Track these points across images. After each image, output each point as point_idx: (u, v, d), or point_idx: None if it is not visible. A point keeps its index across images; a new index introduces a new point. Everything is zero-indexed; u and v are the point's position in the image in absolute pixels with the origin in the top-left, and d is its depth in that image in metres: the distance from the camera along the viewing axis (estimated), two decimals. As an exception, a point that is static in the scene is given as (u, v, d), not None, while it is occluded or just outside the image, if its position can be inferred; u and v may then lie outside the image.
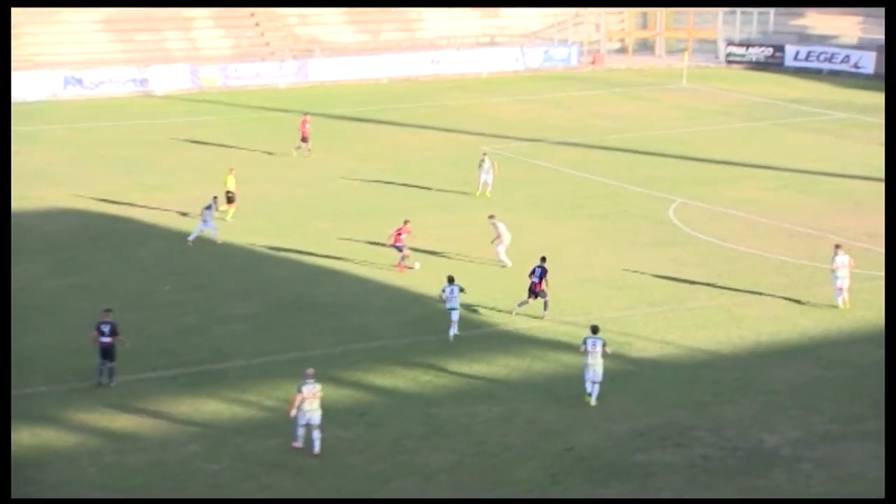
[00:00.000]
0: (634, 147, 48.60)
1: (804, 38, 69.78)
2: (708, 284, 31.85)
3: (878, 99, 58.93)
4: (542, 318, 29.24)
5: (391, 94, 60.54)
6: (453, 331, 28.08)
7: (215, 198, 35.82)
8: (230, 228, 36.75)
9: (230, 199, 37.38)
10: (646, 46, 73.17)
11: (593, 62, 69.31)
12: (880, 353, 27.35)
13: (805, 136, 51.10)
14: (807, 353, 27.53)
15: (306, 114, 47.61)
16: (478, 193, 40.13)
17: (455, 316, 28.06)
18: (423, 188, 41.62)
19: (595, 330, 25.28)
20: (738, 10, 70.22)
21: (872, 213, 38.47)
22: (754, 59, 68.65)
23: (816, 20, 71.44)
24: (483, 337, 28.60)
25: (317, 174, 43.78)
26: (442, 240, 35.64)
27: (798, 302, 30.75)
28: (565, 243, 35.48)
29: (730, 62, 69.15)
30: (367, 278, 32.58)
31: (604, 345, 24.96)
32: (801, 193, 41.40)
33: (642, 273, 32.83)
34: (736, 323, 29.33)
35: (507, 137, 50.42)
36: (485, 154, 40.88)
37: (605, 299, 30.92)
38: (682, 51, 69.42)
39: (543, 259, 29.86)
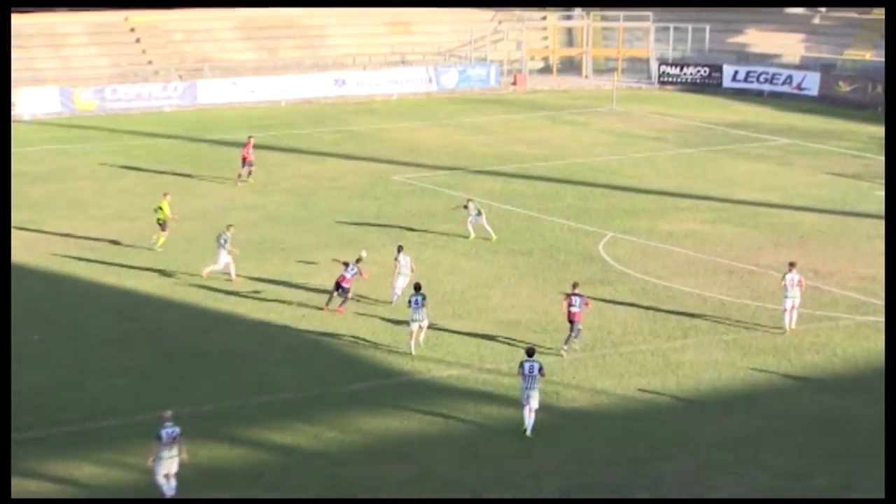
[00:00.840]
0: (561, 176, 49.11)
1: (743, 56, 71.30)
2: (642, 327, 32.19)
3: (824, 123, 60.40)
4: (561, 351, 29.76)
5: (291, 119, 60.51)
6: (413, 344, 29.83)
7: (230, 226, 35.88)
8: (111, 270, 36.32)
9: (163, 227, 37.77)
10: (572, 66, 74.18)
11: (514, 83, 70.06)
12: (831, 402, 27.87)
13: (745, 163, 52.10)
14: (750, 403, 27.93)
15: (251, 137, 47.76)
16: (471, 238, 39.38)
17: (414, 327, 29.85)
18: (330, 225, 41.57)
19: (531, 353, 26.15)
20: (672, 25, 71.53)
21: (819, 249, 39.28)
22: (689, 79, 69.91)
23: (756, 38, 73.07)
24: (395, 387, 28.58)
25: (209, 208, 43.48)
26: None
27: (740, 346, 31.23)
28: (486, 282, 35.66)
29: (663, 83, 70.35)
30: (266, 323, 32.39)
31: (540, 369, 25.83)
32: (741, 227, 42.13)
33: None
34: (673, 369, 29.69)
35: (421, 166, 50.64)
36: (469, 201, 40.09)
37: (529, 344, 31.10)
38: (612, 70, 70.51)
39: (575, 285, 30.74)
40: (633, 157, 52.84)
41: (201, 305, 33.60)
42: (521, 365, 26.06)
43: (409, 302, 30.12)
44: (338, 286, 33.01)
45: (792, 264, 32.33)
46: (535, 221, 42.22)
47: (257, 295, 34.38)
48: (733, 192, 46.84)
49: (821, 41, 71.23)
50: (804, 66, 68.71)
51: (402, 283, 33.51)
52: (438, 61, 70.27)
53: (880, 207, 43.48)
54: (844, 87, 65.74)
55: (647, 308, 33.61)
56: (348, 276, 33.00)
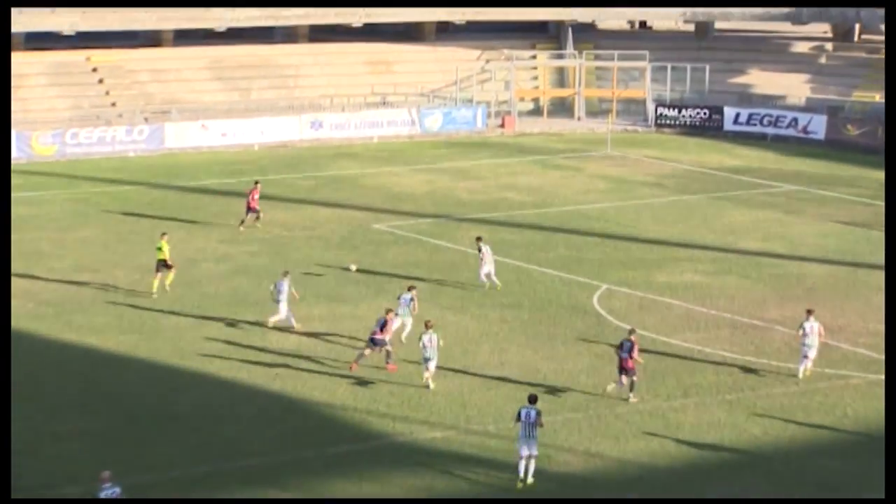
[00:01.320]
0: (552, 224, 49.28)
1: (745, 98, 71.81)
2: (639, 385, 32.23)
3: (832, 168, 60.80)
4: (627, 400, 31.11)
5: (265, 164, 60.66)
6: (429, 383, 31.60)
7: (286, 273, 36.60)
8: (71, 326, 36.25)
9: (168, 266, 39.19)
10: (563, 107, 74.58)
11: (503, 125, 70.41)
12: (840, 467, 27.87)
13: (748, 211, 52.36)
14: (755, 468, 27.93)
15: (258, 182, 48.49)
16: (487, 286, 39.93)
17: (432, 366, 31.54)
18: (305, 274, 41.62)
19: (533, 400, 26.98)
20: (669, 65, 72.10)
21: (828, 302, 39.42)
22: (688, 122, 70.35)
23: (759, 78, 73.66)
24: (375, 451, 28.51)
25: (176, 259, 43.49)
26: (329, 335, 35.57)
27: (744, 406, 31.27)
28: (473, 338, 35.68)
29: (660, 126, 70.77)
30: (236, 383, 32.33)
31: (538, 414, 26.57)
32: (744, 278, 42.29)
33: (563, 372, 33.13)
34: (672, 431, 29.69)
35: (403, 213, 50.77)
36: (479, 240, 40.80)
37: (519, 403, 31.10)
38: (606, 112, 70.96)
39: (631, 331, 31.84)
40: (629, 204, 53.08)
41: (167, 363, 33.52)
42: (519, 412, 26.71)
43: (420, 339, 32.10)
44: (373, 342, 32.89)
45: (809, 311, 33.42)
46: (525, 273, 42.29)
47: (227, 352, 34.33)
48: (735, 241, 47.06)
49: (827, 82, 71.83)
50: (810, 108, 69.18)
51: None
52: (422, 102, 70.61)
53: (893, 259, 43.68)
54: (853, 131, 66.21)
55: (645, 365, 33.67)
56: (380, 328, 32.81)
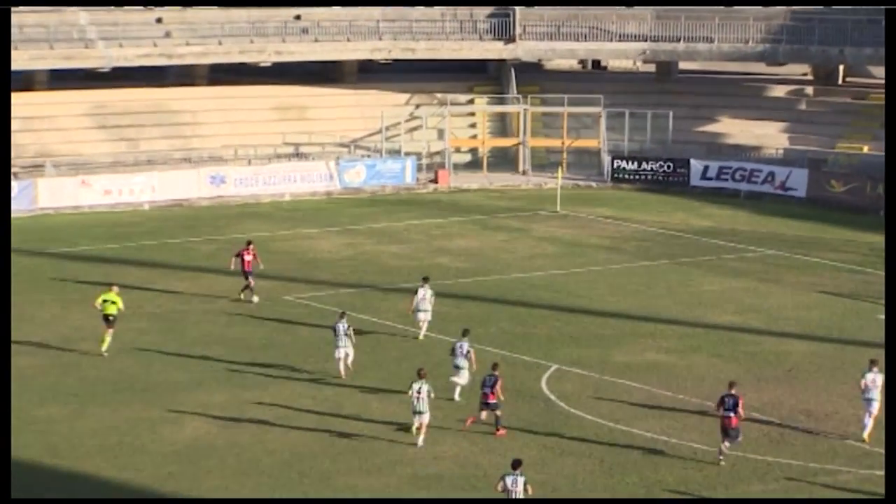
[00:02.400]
0: (493, 295, 49.33)
1: (714, 149, 72.56)
2: (596, 483, 32.12)
3: (815, 230, 61.43)
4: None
5: (157, 226, 60.35)
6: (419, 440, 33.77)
7: (343, 314, 40.38)
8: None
9: (112, 323, 41.46)
10: (506, 159, 75.03)
11: (435, 180, 70.65)
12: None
13: (719, 279, 52.68)
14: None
15: (250, 242, 48.72)
16: (420, 337, 43.15)
17: (425, 420, 33.64)
18: (203, 358, 41.31)
19: (516, 465, 28.55)
20: (627, 111, 72.81)
21: (812, 385, 39.65)
22: (650, 176, 70.94)
23: (730, 126, 74.56)
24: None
25: (50, 339, 43.04)
26: (230, 426, 35.30)
27: (718, 505, 31.30)
28: (405, 427, 35.51)
29: (618, 181, 71.29)
30: (120, 484, 31.92)
31: (525, 483, 28.30)
32: (715, 357, 42.44)
33: (507, 467, 32.88)
34: (635, 536, 29.64)
35: (319, 283, 50.62)
36: (425, 281, 44.01)
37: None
38: (555, 165, 71.37)
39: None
40: (583, 272, 53.26)
41: (37, 462, 33.06)
42: (503, 479, 28.47)
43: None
44: (486, 405, 35.02)
45: (873, 362, 35.09)
46: (462, 352, 42.29)
47: (109, 447, 33.92)
48: (705, 314, 47.31)
49: (809, 131, 72.79)
50: (789, 160, 69.98)
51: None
52: (341, 154, 70.76)
53: (883, 334, 44.13)
54: (838, 187, 67.03)
55: (602, 459, 33.57)
56: (490, 389, 34.89)
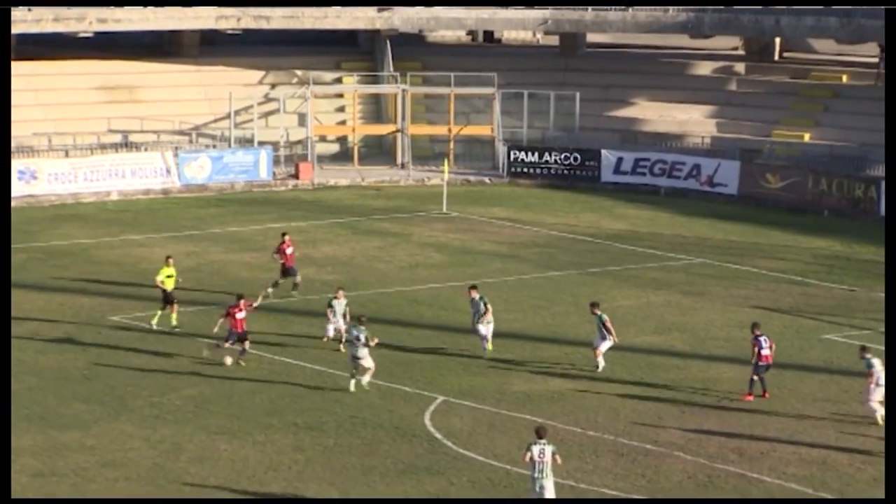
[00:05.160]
0: (367, 311, 49.10)
1: (630, 138, 73.06)
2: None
3: (748, 234, 62.04)
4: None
5: (-46, 230, 59.58)
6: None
7: (361, 318, 42.04)
8: None
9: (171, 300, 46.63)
10: (382, 150, 75.09)
11: (296, 175, 70.48)
12: None
13: (636, 292, 52.98)
14: None
15: (286, 234, 51.17)
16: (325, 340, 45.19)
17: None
18: (12, 390, 40.75)
19: (541, 433, 31.55)
20: (526, 92, 73.02)
21: (744, 416, 39.92)
22: (553, 170, 71.27)
23: (647, 110, 75.10)
24: None
25: None
26: (44, 476, 34.88)
27: (635, 562, 31.47)
28: (252, 473, 35.35)
29: (515, 175, 71.55)
30: None
31: (554, 453, 31.15)
32: (632, 385, 42.70)
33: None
34: None
35: (155, 300, 50.21)
36: (340, 291, 45.90)
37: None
38: (440, 157, 71.40)
39: (755, 325, 42.19)
40: (474, 282, 53.26)
41: None
42: (529, 448, 31.38)
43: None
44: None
45: (864, 349, 39.58)
46: (331, 378, 42.11)
47: None
48: (619, 334, 47.50)
49: (740, 115, 73.58)
50: (717, 151, 70.62)
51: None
52: (181, 144, 70.31)
53: (829, 356, 44.65)
54: (774, 183, 67.77)
55: (497, 509, 33.73)
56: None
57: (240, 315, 43.26)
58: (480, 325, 44.58)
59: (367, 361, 40.98)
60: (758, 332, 41.27)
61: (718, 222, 63.88)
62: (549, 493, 31.23)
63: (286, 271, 50.46)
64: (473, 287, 45.67)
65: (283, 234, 51.41)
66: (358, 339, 40.77)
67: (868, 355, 39.11)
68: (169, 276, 46.75)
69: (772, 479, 35.77)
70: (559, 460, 31.82)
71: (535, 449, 31.44)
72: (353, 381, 41.04)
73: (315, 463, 36.17)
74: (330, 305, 45.15)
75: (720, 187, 68.64)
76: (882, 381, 38.54)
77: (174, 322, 46.50)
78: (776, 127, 72.19)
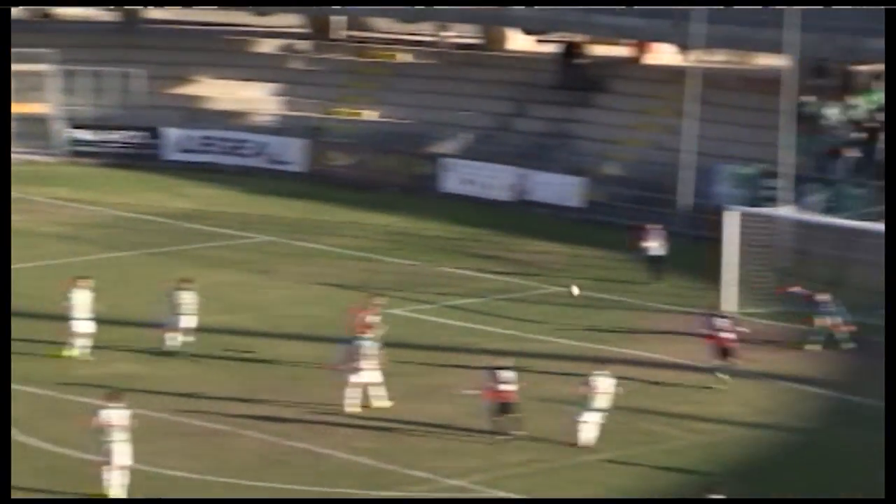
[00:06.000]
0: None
1: (193, 116, 72.52)
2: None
3: (315, 212, 62.35)
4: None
5: None
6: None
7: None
8: None
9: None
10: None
11: None
12: None
13: (203, 272, 52.21)
14: None
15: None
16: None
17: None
18: None
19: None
20: (89, 69, 71.64)
21: (316, 392, 40.21)
22: (116, 149, 70.33)
23: (211, 88, 74.64)
24: None
25: None
26: None
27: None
28: None
29: (76, 155, 70.33)
30: None
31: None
32: (200, 365, 42.56)
33: None
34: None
35: None
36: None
37: None
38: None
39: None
40: (33, 267, 52.25)
41: None
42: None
43: None
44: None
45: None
46: None
47: None
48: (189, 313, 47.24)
49: (304, 94, 73.79)
50: (282, 129, 70.81)
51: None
52: None
53: (397, 332, 45.05)
54: (340, 160, 68.30)
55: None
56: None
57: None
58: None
59: None
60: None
61: (285, 200, 64.03)
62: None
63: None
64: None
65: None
66: None
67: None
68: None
69: (342, 453, 36.06)
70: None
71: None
72: None
73: None
74: None
75: (287, 165, 68.88)
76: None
77: None
78: (337, 105, 72.68)
